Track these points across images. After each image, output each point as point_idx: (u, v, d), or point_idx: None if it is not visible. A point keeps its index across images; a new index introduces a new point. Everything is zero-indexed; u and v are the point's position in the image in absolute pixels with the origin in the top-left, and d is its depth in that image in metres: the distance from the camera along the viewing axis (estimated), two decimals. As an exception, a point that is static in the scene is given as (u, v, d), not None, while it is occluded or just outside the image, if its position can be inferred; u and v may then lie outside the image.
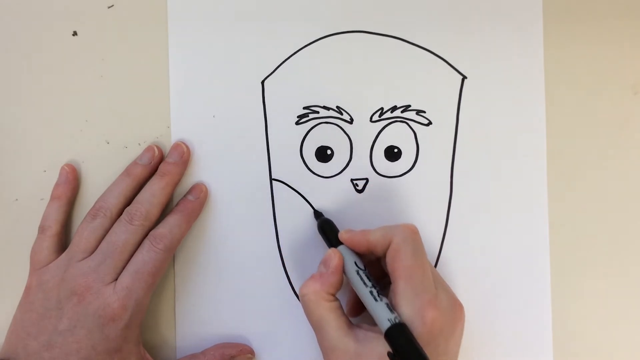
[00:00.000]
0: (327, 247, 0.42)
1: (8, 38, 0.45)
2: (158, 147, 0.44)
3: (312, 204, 0.45)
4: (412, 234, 0.39)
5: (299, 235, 0.45)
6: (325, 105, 0.45)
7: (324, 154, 0.45)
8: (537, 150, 0.45)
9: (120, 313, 0.39)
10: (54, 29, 0.45)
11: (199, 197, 0.44)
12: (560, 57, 0.45)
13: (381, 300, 0.38)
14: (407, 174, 0.45)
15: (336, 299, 0.40)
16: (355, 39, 0.45)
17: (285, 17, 0.45)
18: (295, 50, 0.45)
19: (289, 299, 0.45)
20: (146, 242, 0.41)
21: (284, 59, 0.45)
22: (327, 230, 0.43)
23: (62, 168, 0.44)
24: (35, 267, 0.42)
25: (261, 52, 0.45)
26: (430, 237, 0.45)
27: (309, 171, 0.45)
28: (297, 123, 0.45)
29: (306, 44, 0.45)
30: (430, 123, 0.45)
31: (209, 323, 0.45)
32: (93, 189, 0.45)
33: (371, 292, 0.38)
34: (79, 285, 0.40)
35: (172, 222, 0.42)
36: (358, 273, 0.39)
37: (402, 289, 0.37)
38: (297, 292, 0.45)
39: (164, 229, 0.42)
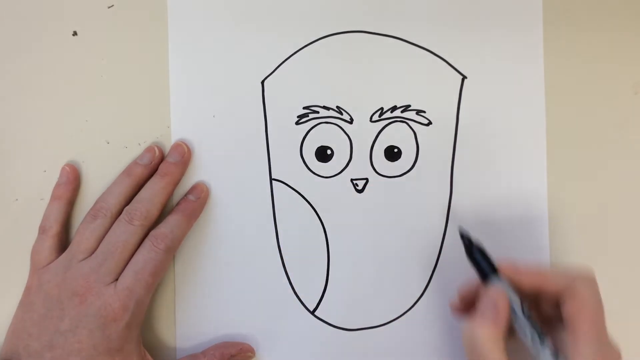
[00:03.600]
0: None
1: (8, 38, 0.45)
2: (158, 147, 0.44)
3: (315, 205, 0.45)
4: (596, 283, 0.39)
5: (299, 235, 0.45)
6: (325, 105, 0.45)
7: (324, 154, 0.45)
8: (537, 150, 0.45)
9: (121, 313, 0.39)
10: (54, 29, 0.45)
11: (200, 197, 0.44)
12: (560, 57, 0.45)
13: (544, 346, 0.37)
14: (407, 174, 0.45)
15: (504, 340, 0.38)
16: (355, 39, 0.45)
17: (285, 17, 0.45)
18: (295, 50, 0.45)
19: (289, 299, 0.45)
20: (147, 242, 0.41)
21: (284, 59, 0.45)
22: (481, 258, 0.41)
23: (63, 168, 0.44)
24: (36, 267, 0.42)
25: (261, 52, 0.45)
26: (430, 237, 0.45)
27: (309, 171, 0.45)
28: (297, 123, 0.45)
29: (306, 44, 0.45)
30: (430, 123, 0.45)
31: (209, 323, 0.45)
32: (93, 189, 0.45)
33: (533, 338, 0.38)
34: (80, 285, 0.40)
35: (173, 222, 0.42)
36: (517, 313, 0.38)
37: (585, 338, 0.37)
38: (296, 292, 0.45)
39: (165, 228, 0.42)
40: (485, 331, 0.38)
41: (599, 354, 0.37)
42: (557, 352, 0.37)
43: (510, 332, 0.39)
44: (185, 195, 0.44)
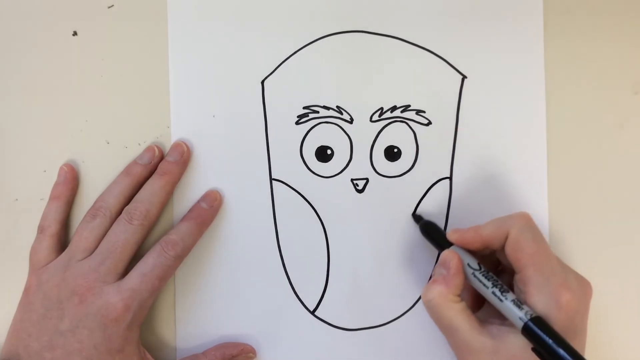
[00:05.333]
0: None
1: (8, 38, 0.45)
2: (158, 147, 0.44)
3: (315, 205, 0.45)
4: (528, 222, 0.39)
5: (299, 235, 0.45)
6: (325, 105, 0.45)
7: (324, 154, 0.45)
8: (537, 150, 0.45)
9: (123, 313, 0.39)
10: (54, 29, 0.45)
11: (213, 205, 0.44)
12: (560, 57, 0.45)
13: (506, 298, 0.38)
14: (407, 174, 0.45)
15: (462, 300, 0.39)
16: (355, 39, 0.45)
17: (285, 17, 0.45)
18: (295, 50, 0.45)
19: (289, 299, 0.45)
20: (157, 246, 0.41)
21: (284, 59, 0.45)
22: (433, 232, 0.43)
23: (61, 168, 0.44)
24: (35, 267, 0.42)
25: (261, 52, 0.45)
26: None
27: (309, 171, 0.45)
28: (297, 123, 0.45)
29: (306, 44, 0.45)
30: (430, 123, 0.45)
31: (209, 323, 0.45)
32: (93, 189, 0.45)
33: (494, 293, 0.38)
34: (80, 285, 0.40)
35: (184, 230, 0.42)
36: (474, 275, 0.39)
37: (531, 276, 0.37)
38: (296, 292, 0.45)
39: (176, 236, 0.42)
40: (436, 292, 0.39)
41: (555, 293, 0.37)
42: (520, 302, 0.37)
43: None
44: (198, 202, 0.44)
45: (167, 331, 0.45)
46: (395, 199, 0.45)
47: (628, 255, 0.46)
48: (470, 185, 0.45)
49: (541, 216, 0.45)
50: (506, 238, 0.39)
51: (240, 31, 0.45)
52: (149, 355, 0.42)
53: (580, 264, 0.45)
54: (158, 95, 0.45)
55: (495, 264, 0.42)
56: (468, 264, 0.40)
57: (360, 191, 0.45)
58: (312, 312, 0.45)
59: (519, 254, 0.38)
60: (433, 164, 0.45)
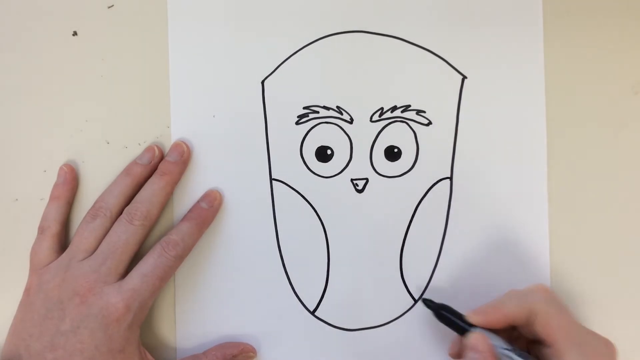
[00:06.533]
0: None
1: (8, 38, 0.45)
2: (158, 147, 0.44)
3: (315, 205, 0.45)
4: (550, 294, 0.40)
5: (299, 235, 0.45)
6: (325, 105, 0.45)
7: (324, 154, 0.45)
8: (538, 150, 0.45)
9: (124, 314, 0.39)
10: (54, 29, 0.45)
11: (213, 205, 0.44)
12: (560, 57, 0.45)
13: None
14: (407, 174, 0.45)
15: None
16: (355, 39, 0.45)
17: (285, 17, 0.45)
18: (295, 50, 0.45)
19: (289, 299, 0.45)
20: (158, 246, 0.41)
21: (284, 59, 0.45)
22: (450, 315, 0.41)
23: (61, 168, 0.44)
24: (35, 267, 0.42)
25: (261, 52, 0.45)
26: (430, 238, 0.45)
27: (309, 171, 0.45)
28: (297, 123, 0.45)
29: (306, 44, 0.45)
30: (430, 123, 0.45)
31: (209, 323, 0.45)
32: (93, 189, 0.45)
33: None
34: (81, 285, 0.40)
35: (184, 230, 0.42)
36: (507, 355, 0.39)
37: (565, 349, 0.37)
38: (296, 292, 0.45)
39: (176, 236, 0.42)
40: None
41: (582, 348, 0.37)
42: None
43: None
44: (198, 202, 0.44)
45: (167, 331, 0.45)
46: (395, 199, 0.45)
47: (628, 255, 0.45)
48: (470, 185, 0.45)
49: (541, 216, 0.45)
50: (528, 313, 0.39)
51: (240, 31, 0.45)
52: (149, 355, 0.42)
53: (580, 264, 0.45)
54: (158, 95, 0.45)
55: (509, 331, 0.41)
56: (495, 345, 0.39)
57: (360, 191, 0.45)
58: (312, 312, 0.45)
59: (549, 329, 0.38)
60: (433, 164, 0.45)
